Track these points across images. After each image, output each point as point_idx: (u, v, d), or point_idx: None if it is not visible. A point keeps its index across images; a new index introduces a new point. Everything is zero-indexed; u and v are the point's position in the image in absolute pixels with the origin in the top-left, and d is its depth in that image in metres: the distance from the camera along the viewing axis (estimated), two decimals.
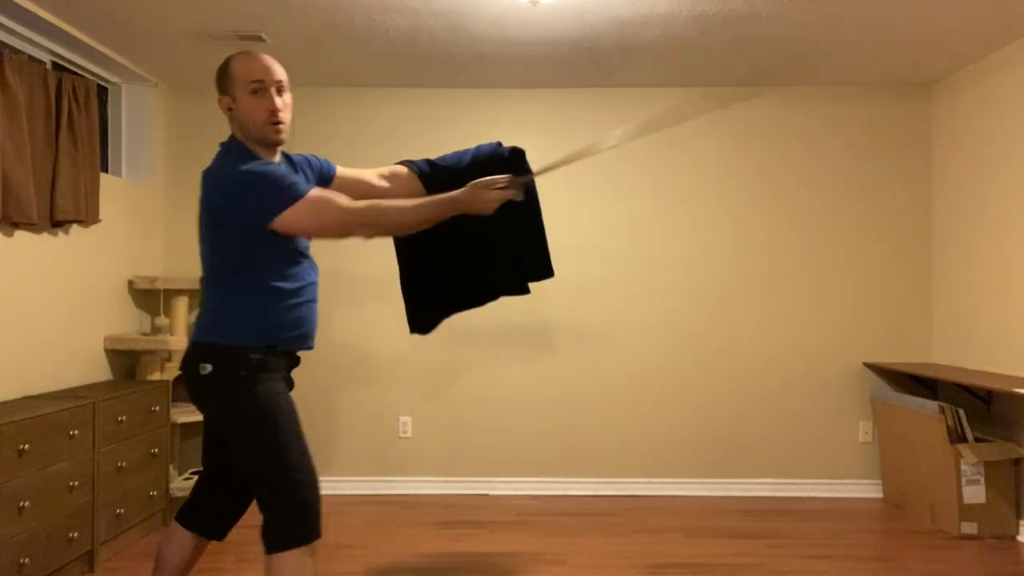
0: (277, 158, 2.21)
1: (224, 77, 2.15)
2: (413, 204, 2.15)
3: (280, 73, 2.13)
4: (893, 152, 4.48)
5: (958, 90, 4.22)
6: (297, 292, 2.15)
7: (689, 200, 4.48)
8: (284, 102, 2.14)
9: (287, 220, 2.04)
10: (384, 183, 2.43)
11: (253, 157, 2.13)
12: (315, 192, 2.08)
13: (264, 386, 2.09)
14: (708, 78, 4.33)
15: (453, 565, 3.29)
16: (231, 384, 2.08)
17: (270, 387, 2.10)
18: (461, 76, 4.30)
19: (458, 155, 2.54)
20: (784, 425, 4.46)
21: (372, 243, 4.51)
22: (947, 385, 4.19)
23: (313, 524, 2.11)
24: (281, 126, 2.12)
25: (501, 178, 2.23)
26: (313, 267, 2.24)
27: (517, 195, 2.27)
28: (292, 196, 2.04)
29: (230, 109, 2.15)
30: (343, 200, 2.09)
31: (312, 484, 2.11)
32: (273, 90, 2.10)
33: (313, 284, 2.22)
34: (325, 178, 2.35)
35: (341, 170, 2.41)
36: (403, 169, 2.48)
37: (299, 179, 2.10)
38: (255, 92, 2.10)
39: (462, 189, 2.21)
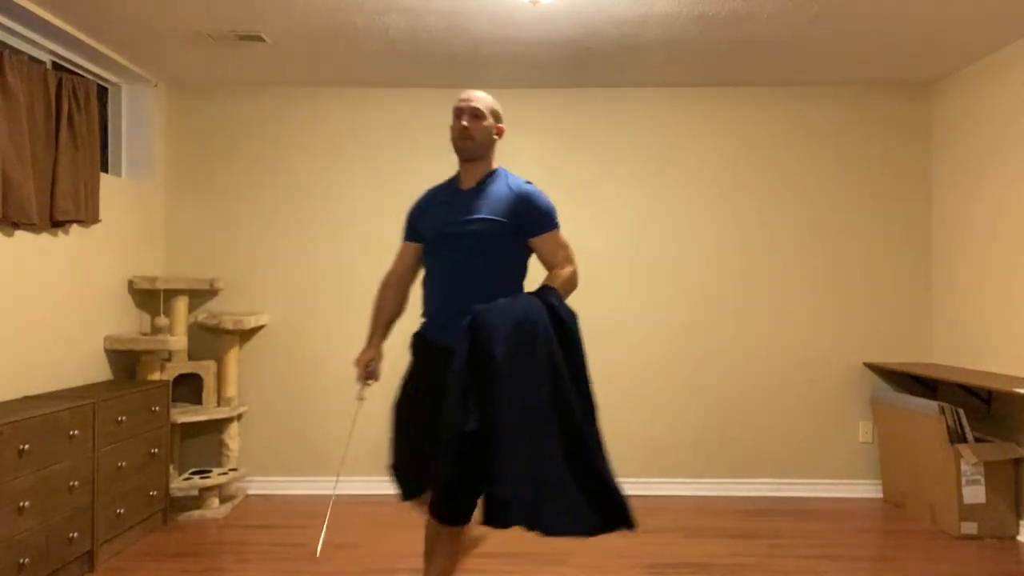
0: (477, 169, 2.54)
1: None
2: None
3: (475, 101, 2.51)
4: (893, 152, 4.48)
5: (958, 90, 4.22)
6: (426, 281, 2.54)
7: (690, 200, 4.48)
8: (477, 124, 2.49)
9: None
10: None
11: (453, 176, 2.61)
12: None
13: (408, 369, 2.57)
14: (708, 78, 4.34)
15: None
16: None
17: (408, 370, 2.56)
18: (461, 76, 4.30)
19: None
20: (784, 425, 4.46)
21: (378, 241, 4.52)
22: (947, 385, 4.19)
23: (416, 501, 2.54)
24: (460, 143, 2.50)
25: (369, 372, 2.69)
26: (437, 258, 2.50)
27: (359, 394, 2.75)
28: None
29: None
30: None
31: (396, 476, 2.59)
32: (466, 115, 2.50)
33: (437, 274, 2.50)
34: (525, 229, 2.50)
35: (541, 240, 2.54)
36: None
37: (414, 218, 2.63)
38: (455, 118, 2.53)
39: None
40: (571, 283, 2.53)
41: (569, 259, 2.54)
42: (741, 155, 4.50)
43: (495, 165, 2.58)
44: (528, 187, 2.54)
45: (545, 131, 4.52)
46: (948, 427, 3.72)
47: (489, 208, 2.48)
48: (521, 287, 2.53)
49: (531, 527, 2.16)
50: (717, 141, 4.50)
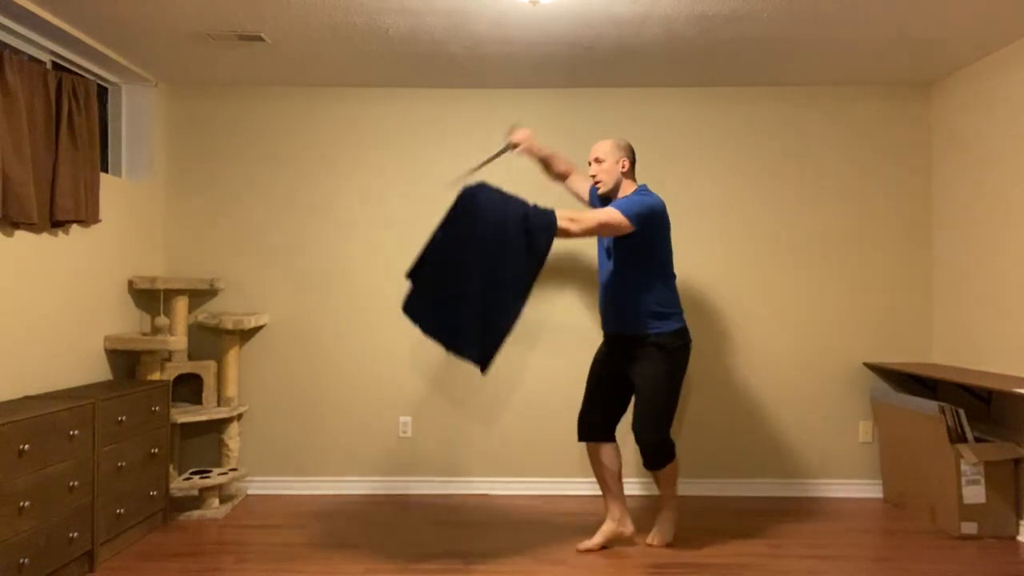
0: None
1: None
2: None
3: (594, 151, 3.45)
4: (893, 152, 4.48)
5: (958, 90, 4.22)
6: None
7: (688, 199, 4.48)
8: (596, 168, 3.44)
9: None
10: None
11: None
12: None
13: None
14: (708, 78, 4.33)
15: (453, 565, 3.29)
16: None
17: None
18: (461, 76, 4.30)
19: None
20: (784, 425, 4.46)
21: (387, 248, 4.51)
22: (947, 385, 4.19)
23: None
24: (594, 184, 3.50)
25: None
26: (604, 264, 3.50)
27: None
28: None
29: None
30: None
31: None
32: (592, 162, 3.46)
33: (603, 275, 3.51)
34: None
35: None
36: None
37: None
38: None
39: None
40: (582, 218, 3.15)
41: (596, 215, 3.21)
42: (740, 155, 4.49)
43: (631, 189, 3.40)
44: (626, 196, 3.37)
45: (544, 131, 4.51)
46: (948, 427, 3.72)
47: None
48: (651, 278, 3.36)
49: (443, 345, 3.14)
50: (717, 141, 4.50)
